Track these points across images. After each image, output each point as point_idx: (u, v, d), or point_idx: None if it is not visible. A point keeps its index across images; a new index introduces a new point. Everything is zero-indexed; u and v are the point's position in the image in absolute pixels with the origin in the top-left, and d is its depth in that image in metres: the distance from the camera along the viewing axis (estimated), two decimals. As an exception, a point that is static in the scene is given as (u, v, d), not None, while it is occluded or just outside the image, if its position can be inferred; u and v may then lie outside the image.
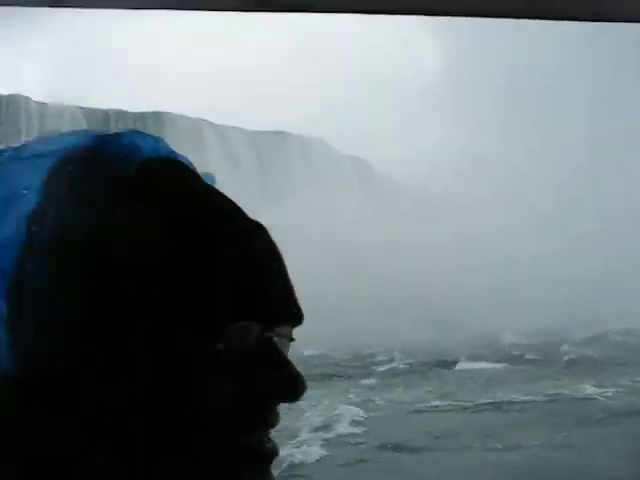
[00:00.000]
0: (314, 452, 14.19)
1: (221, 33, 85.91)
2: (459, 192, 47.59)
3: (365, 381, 22.95)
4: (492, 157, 56.02)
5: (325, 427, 15.99)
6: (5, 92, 51.08)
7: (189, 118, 55.61)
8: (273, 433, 0.81)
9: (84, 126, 51.70)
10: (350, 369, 25.89)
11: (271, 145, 56.27)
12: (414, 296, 36.97)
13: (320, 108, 63.45)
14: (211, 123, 56.30)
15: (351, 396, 20.04)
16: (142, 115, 54.36)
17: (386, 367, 25.98)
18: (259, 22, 69.15)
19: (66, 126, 51.44)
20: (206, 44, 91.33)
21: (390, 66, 78.98)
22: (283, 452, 12.77)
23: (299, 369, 0.79)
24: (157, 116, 54.84)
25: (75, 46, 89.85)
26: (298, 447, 14.20)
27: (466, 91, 73.30)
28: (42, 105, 51.71)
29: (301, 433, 15.11)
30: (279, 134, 57.67)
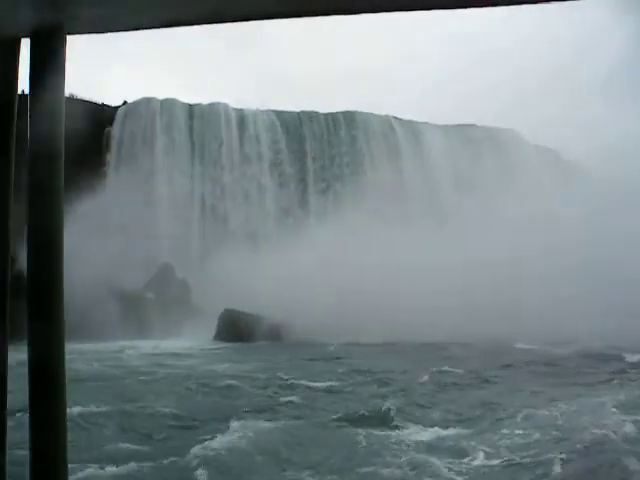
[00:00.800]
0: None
1: (403, 30, 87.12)
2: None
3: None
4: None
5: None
6: (205, 101, 54.67)
7: (378, 115, 56.89)
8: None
9: (278, 128, 54.19)
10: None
11: (461, 137, 56.40)
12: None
13: (509, 99, 62.56)
14: (400, 119, 57.34)
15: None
16: (333, 115, 56.18)
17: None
18: (441, 17, 69.39)
19: (262, 129, 54.26)
20: (390, 42, 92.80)
21: (576, 52, 76.37)
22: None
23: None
24: (348, 115, 56.28)
25: (261, 55, 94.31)
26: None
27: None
28: (239, 111, 54.56)
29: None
30: (468, 127, 57.84)
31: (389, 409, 16.84)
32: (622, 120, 50.80)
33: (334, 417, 16.41)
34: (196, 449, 13.30)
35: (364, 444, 13.64)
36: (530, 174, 51.03)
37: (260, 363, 28.36)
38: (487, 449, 12.65)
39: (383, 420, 15.76)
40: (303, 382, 22.22)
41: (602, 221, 40.39)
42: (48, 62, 1.57)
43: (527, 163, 53.62)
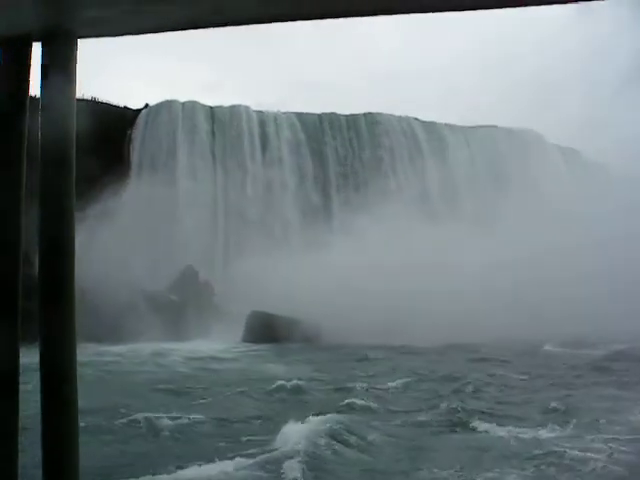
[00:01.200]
0: None
1: (423, 32, 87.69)
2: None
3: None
4: None
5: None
6: (227, 104, 55.05)
7: (399, 116, 57.31)
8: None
9: (299, 130, 54.39)
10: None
11: (481, 138, 56.99)
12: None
13: (528, 100, 62.99)
14: (421, 121, 57.82)
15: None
16: (354, 117, 56.54)
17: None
18: (460, 19, 70.03)
19: (283, 130, 54.48)
20: (408, 44, 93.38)
21: (598, 51, 76.65)
22: None
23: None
24: (369, 117, 56.73)
25: (281, 57, 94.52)
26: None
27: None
28: (260, 113, 54.87)
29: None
30: (490, 128, 58.31)
31: (474, 410, 17.10)
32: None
33: (425, 419, 16.64)
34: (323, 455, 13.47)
35: (475, 445, 13.86)
36: (554, 174, 51.44)
37: (310, 365, 28.45)
38: (605, 453, 12.74)
39: (476, 421, 15.97)
40: (367, 384, 22.41)
41: (629, 220, 40.51)
42: (59, 65, 1.58)
43: (550, 163, 54.05)
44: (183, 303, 45.65)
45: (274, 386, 21.82)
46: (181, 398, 20.49)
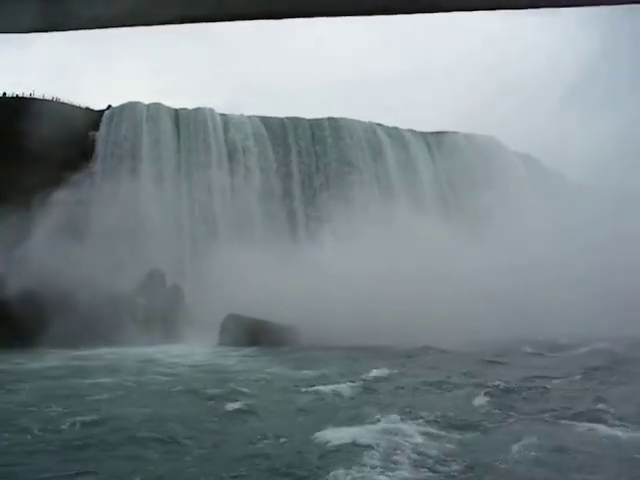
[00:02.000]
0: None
1: (391, 37, 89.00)
2: (634, 189, 46.97)
3: None
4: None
5: None
6: (191, 106, 54.60)
7: (363, 122, 57.97)
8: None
9: (264, 133, 54.43)
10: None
11: (442, 144, 58.45)
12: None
13: (490, 106, 64.73)
14: (384, 126, 58.66)
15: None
16: (318, 121, 56.79)
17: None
18: (426, 26, 71.44)
19: (248, 133, 54.37)
20: (374, 49, 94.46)
21: (556, 63, 79.30)
22: None
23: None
24: (333, 122, 57.11)
25: (248, 60, 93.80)
26: None
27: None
28: (224, 116, 54.63)
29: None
30: (452, 134, 59.58)
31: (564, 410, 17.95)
32: (594, 131, 53.33)
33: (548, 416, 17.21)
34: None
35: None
36: (516, 179, 53.04)
37: (330, 367, 27.79)
38: None
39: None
40: (413, 382, 23.10)
41: (599, 228, 41.95)
42: None
43: (512, 169, 55.64)
44: (154, 307, 44.93)
45: (328, 390, 21.36)
46: (233, 415, 18.34)
